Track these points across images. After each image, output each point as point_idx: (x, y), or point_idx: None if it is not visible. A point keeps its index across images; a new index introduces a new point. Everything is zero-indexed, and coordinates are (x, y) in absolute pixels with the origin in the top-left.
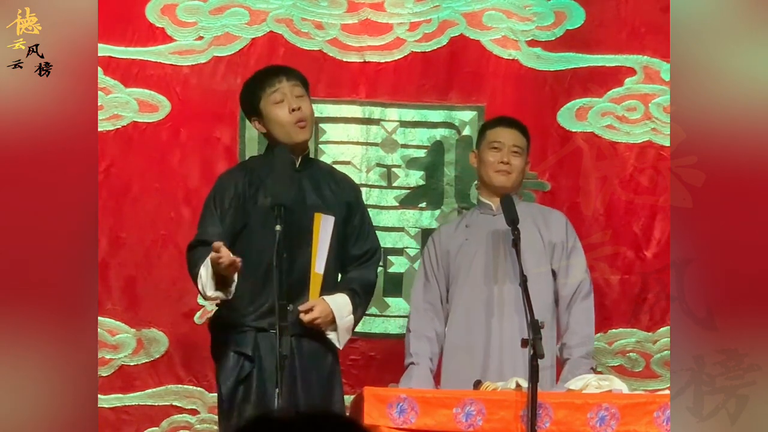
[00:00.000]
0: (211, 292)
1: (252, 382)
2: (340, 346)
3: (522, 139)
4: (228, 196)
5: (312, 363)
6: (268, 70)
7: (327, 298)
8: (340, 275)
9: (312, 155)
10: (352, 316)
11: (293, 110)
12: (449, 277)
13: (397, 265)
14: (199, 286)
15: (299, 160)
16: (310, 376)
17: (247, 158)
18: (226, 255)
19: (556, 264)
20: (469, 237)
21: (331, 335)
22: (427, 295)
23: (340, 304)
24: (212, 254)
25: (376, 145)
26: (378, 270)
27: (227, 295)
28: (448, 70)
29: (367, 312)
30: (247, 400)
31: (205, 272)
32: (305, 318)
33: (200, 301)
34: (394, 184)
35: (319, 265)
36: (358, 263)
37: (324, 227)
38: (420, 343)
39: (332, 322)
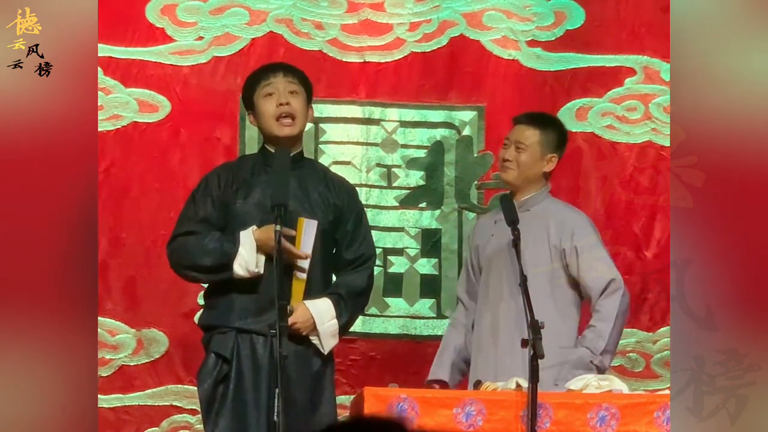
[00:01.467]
0: (257, 268)
1: (229, 384)
2: (324, 350)
3: (531, 134)
4: (211, 195)
5: (297, 365)
6: (268, 66)
7: (308, 303)
8: (334, 277)
9: (312, 155)
10: (335, 321)
11: (280, 104)
12: (481, 271)
13: (397, 265)
14: (237, 266)
15: None
16: (295, 377)
17: None
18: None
19: (573, 270)
20: (496, 233)
21: (315, 340)
22: (468, 285)
23: (321, 309)
24: (270, 233)
25: (376, 145)
26: (370, 275)
27: (261, 269)
28: (448, 70)
29: (366, 312)
30: (224, 401)
31: (247, 250)
32: None
33: (200, 301)
34: (394, 184)
35: (300, 271)
36: (351, 268)
37: (307, 232)
38: (450, 336)
39: (314, 327)
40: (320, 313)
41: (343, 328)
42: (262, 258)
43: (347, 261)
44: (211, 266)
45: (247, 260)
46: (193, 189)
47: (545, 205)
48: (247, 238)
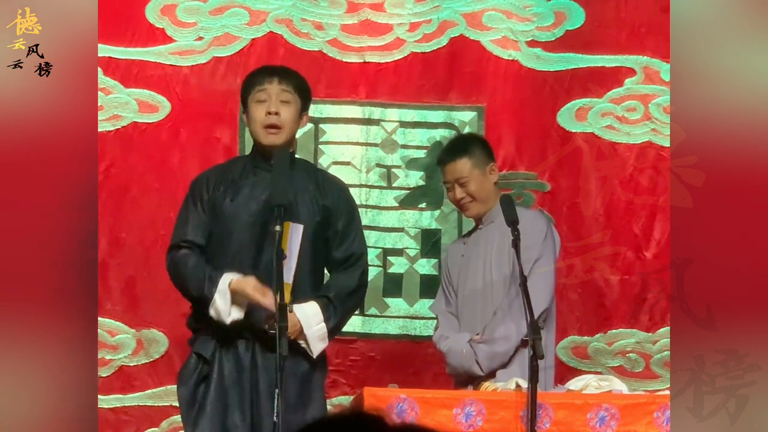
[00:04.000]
0: (231, 318)
1: (210, 385)
2: (313, 354)
3: (463, 164)
4: (201, 198)
5: (286, 369)
6: (266, 69)
7: (294, 307)
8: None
9: (312, 155)
10: (323, 325)
11: (269, 113)
12: (457, 293)
13: (397, 265)
14: (213, 312)
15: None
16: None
17: None
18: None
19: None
20: (465, 253)
21: (303, 344)
22: (448, 306)
23: (308, 313)
24: (256, 295)
25: (375, 145)
26: (362, 273)
27: (242, 315)
28: (448, 70)
29: (366, 312)
30: (204, 403)
31: (222, 301)
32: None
33: None
34: (394, 185)
35: (287, 275)
36: (341, 268)
37: (293, 236)
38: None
39: (301, 332)
40: (307, 317)
41: (333, 331)
42: (239, 309)
43: (338, 260)
44: (195, 297)
45: (220, 310)
46: (186, 194)
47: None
48: (223, 286)
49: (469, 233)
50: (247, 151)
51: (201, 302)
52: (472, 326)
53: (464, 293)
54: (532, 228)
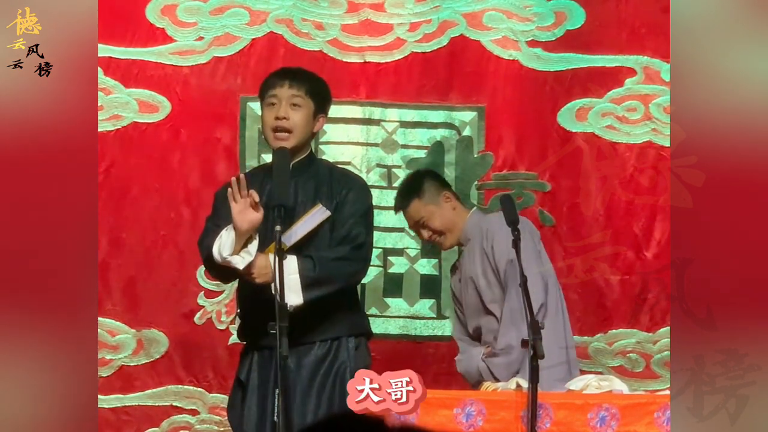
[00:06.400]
0: (237, 259)
1: (245, 404)
2: (288, 307)
3: (416, 207)
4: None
5: (314, 372)
6: (279, 72)
7: (271, 255)
8: None
9: None
10: (297, 276)
11: (277, 118)
12: (465, 316)
13: (397, 265)
14: (215, 249)
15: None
16: (312, 385)
17: (246, 158)
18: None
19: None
20: (461, 277)
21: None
22: (464, 330)
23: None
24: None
25: (376, 145)
26: (356, 247)
27: (249, 255)
28: (448, 70)
29: (366, 312)
30: (241, 424)
31: (217, 248)
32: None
33: (200, 301)
34: (395, 185)
35: (288, 238)
36: (337, 244)
37: (315, 214)
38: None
39: (271, 279)
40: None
41: (311, 288)
42: (247, 252)
43: (336, 239)
44: (208, 255)
45: (224, 241)
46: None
47: (479, 225)
48: (219, 237)
49: (459, 258)
50: (248, 151)
51: (212, 260)
52: (485, 341)
53: (469, 313)
54: (505, 233)
